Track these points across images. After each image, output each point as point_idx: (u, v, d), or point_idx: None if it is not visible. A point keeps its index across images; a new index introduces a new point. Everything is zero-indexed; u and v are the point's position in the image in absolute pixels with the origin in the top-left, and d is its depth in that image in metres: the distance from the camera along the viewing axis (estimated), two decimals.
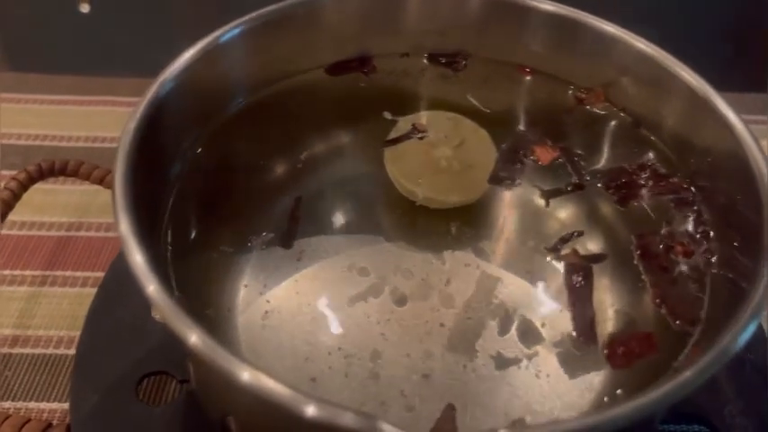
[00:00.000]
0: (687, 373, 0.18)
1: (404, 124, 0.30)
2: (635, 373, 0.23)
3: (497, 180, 0.28)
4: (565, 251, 0.26)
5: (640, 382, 0.22)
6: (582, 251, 0.26)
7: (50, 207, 0.40)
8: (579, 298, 0.24)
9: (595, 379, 0.23)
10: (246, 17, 0.27)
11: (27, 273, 0.38)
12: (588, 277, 0.25)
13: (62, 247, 0.39)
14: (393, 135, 0.30)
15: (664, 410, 0.18)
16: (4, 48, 0.62)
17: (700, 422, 0.26)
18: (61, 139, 0.46)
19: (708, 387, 0.18)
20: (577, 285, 0.24)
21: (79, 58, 0.54)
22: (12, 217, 0.36)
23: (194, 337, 0.19)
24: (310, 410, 0.18)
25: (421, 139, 0.29)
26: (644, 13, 0.57)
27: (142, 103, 0.24)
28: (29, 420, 0.26)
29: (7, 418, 0.26)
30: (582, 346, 0.24)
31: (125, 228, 0.21)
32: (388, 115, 0.31)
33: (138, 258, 0.21)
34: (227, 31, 0.27)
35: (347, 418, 0.18)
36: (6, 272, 0.37)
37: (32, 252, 0.39)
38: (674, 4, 0.60)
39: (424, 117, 0.31)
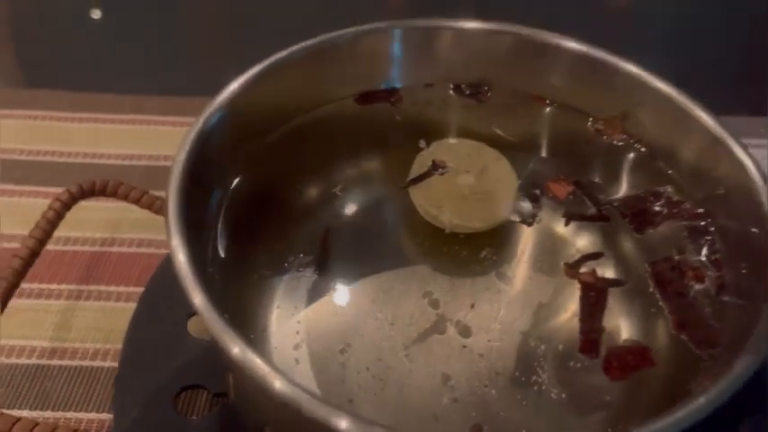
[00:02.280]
0: (701, 399, 0.19)
1: (426, 157, 0.32)
2: (641, 387, 0.24)
3: (515, 215, 0.30)
4: (583, 270, 0.28)
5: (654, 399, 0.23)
6: (600, 273, 0.27)
7: (84, 223, 0.42)
8: (590, 314, 0.26)
9: (601, 394, 0.24)
10: (281, 53, 0.29)
11: (63, 287, 0.40)
12: (601, 297, 0.27)
13: (96, 262, 0.41)
14: (415, 168, 0.31)
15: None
16: (20, 65, 0.64)
17: None
18: (93, 156, 0.48)
19: None
20: (590, 302, 0.26)
21: (106, 76, 0.56)
22: None
23: (236, 349, 0.21)
24: (344, 424, 0.20)
25: (442, 174, 0.31)
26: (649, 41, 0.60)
27: (190, 136, 0.26)
28: (76, 431, 0.28)
29: (55, 428, 0.27)
30: (586, 360, 0.25)
31: (177, 243, 0.23)
32: (420, 143, 0.32)
33: (187, 272, 0.23)
34: (266, 65, 0.29)
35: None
36: (43, 285, 0.39)
37: (68, 267, 0.40)
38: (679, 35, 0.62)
39: (447, 145, 0.33)
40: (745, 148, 0.26)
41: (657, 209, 0.28)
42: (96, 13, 0.68)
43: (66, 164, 0.47)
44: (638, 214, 0.28)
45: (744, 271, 0.25)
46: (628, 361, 0.24)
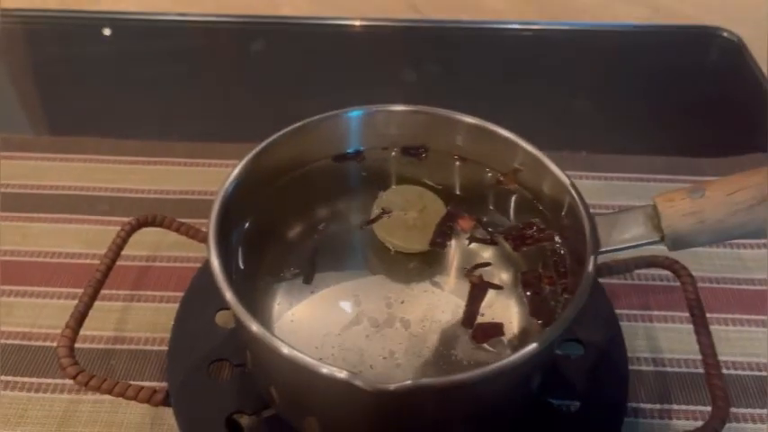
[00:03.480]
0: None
1: (383, 199, 0.44)
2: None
3: (435, 245, 0.43)
4: (475, 274, 0.41)
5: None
6: (486, 278, 0.40)
7: (133, 244, 0.53)
8: (472, 302, 0.39)
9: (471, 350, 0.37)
10: (278, 133, 0.42)
11: (120, 292, 0.52)
12: (482, 293, 0.40)
13: (143, 274, 0.54)
14: (375, 207, 0.44)
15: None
16: (47, 115, 0.74)
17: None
18: (136, 191, 0.60)
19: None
20: (474, 295, 0.39)
21: (144, 127, 0.68)
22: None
23: (254, 327, 0.33)
24: (324, 370, 0.32)
25: (389, 217, 0.43)
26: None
27: (220, 192, 0.39)
28: (142, 388, 0.41)
29: (129, 386, 0.40)
30: (466, 329, 0.38)
31: (215, 261, 0.36)
32: (378, 192, 0.45)
33: (222, 279, 0.35)
34: (268, 142, 0.42)
35: (343, 374, 0.32)
36: (106, 291, 0.50)
37: (123, 277, 0.52)
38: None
39: (398, 190, 0.46)
40: (577, 191, 0.39)
41: (530, 233, 0.41)
42: (107, 31, 0.79)
43: (116, 198, 0.59)
44: (516, 238, 0.41)
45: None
46: (488, 331, 0.37)
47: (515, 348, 0.35)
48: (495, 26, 0.84)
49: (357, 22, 0.83)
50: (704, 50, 0.84)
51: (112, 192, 0.60)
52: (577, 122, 0.73)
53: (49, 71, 0.79)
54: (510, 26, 0.84)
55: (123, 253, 0.52)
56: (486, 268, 0.41)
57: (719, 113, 0.75)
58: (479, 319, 0.39)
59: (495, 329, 0.37)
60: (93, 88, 0.75)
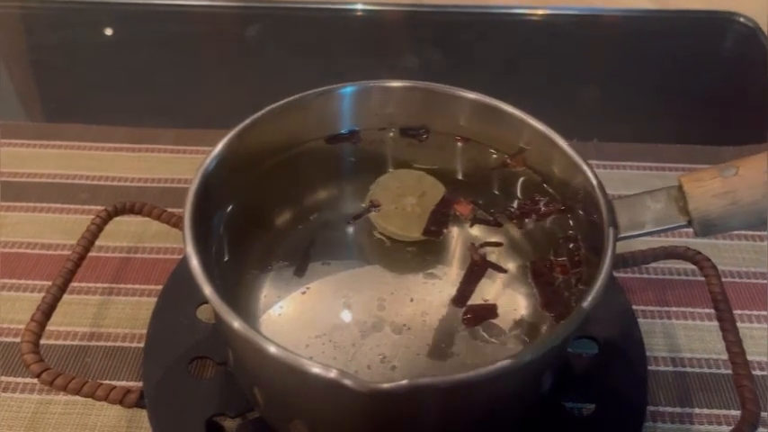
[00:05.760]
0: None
1: (380, 184, 0.41)
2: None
3: (429, 233, 0.39)
4: (479, 252, 0.37)
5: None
6: (488, 256, 0.37)
7: (113, 234, 0.51)
8: (468, 281, 0.36)
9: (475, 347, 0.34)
10: (264, 109, 0.38)
11: (98, 285, 0.48)
12: (481, 272, 0.36)
13: (123, 266, 0.50)
14: (371, 192, 0.41)
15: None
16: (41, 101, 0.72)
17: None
18: (120, 180, 0.56)
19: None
20: (472, 272, 0.36)
21: (132, 113, 0.65)
22: None
23: (236, 323, 0.30)
24: (312, 368, 0.28)
25: (374, 215, 0.40)
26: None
27: (198, 172, 0.35)
28: (114, 388, 0.37)
29: (100, 385, 0.37)
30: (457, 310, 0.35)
31: (191, 250, 0.32)
32: (372, 176, 0.41)
33: (199, 271, 0.31)
34: (253, 119, 0.38)
35: (333, 374, 0.28)
36: (83, 284, 0.48)
37: (101, 269, 0.49)
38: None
39: (396, 174, 0.42)
40: (593, 171, 0.35)
41: (536, 208, 0.38)
42: (109, 31, 0.77)
43: (98, 186, 0.56)
44: (521, 214, 0.38)
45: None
46: (480, 313, 0.34)
47: (524, 345, 0.31)
48: (501, 11, 0.81)
49: (359, 6, 0.79)
50: (720, 36, 0.80)
51: (94, 180, 0.57)
52: (588, 110, 0.69)
53: (36, 57, 0.76)
54: (516, 11, 0.80)
55: (103, 243, 0.50)
56: (494, 249, 0.37)
57: (736, 101, 0.71)
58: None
59: (487, 311, 0.34)
60: (81, 74, 0.72)
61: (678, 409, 0.42)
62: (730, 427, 0.36)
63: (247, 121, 0.38)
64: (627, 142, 0.62)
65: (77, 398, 0.38)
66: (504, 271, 0.36)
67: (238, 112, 0.39)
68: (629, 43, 0.80)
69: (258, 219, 0.40)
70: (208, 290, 0.31)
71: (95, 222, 0.43)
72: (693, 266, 0.44)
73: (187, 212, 0.34)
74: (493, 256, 0.37)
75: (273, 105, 0.39)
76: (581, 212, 0.36)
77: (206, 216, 0.36)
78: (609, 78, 0.75)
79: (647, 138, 0.63)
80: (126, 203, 0.45)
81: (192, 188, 0.35)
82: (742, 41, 0.79)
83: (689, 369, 0.45)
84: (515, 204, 0.39)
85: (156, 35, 0.78)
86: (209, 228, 0.37)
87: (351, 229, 0.41)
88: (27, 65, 0.77)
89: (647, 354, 0.42)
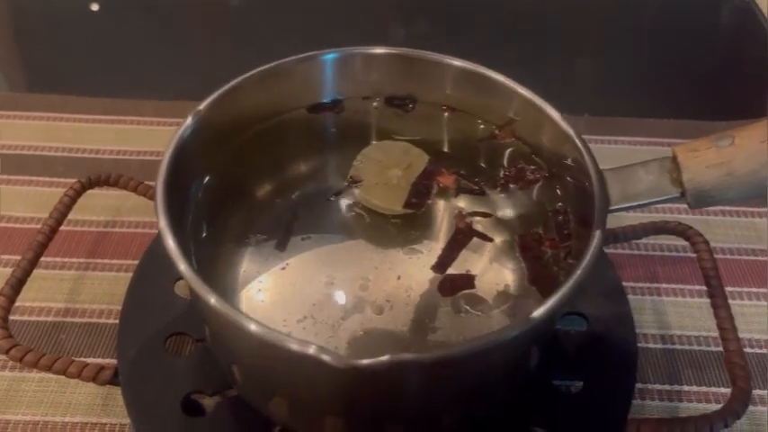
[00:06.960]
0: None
1: (365, 155, 0.40)
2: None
3: (410, 206, 0.38)
4: (466, 220, 0.36)
5: None
6: (475, 227, 0.36)
7: (91, 208, 0.49)
8: (451, 248, 0.35)
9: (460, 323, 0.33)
10: (241, 76, 0.37)
11: (74, 260, 0.47)
12: (465, 240, 0.35)
13: (101, 240, 0.49)
14: (356, 163, 0.39)
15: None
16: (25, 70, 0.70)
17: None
18: (98, 152, 0.55)
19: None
20: (456, 240, 0.35)
21: (111, 83, 0.63)
22: None
23: (213, 300, 0.29)
24: (290, 344, 0.27)
25: (357, 188, 0.39)
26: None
27: (172, 142, 0.34)
28: (87, 365, 0.36)
29: (72, 362, 0.36)
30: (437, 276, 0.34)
31: (164, 224, 0.31)
32: (356, 147, 0.40)
33: (173, 246, 0.30)
34: (230, 86, 0.37)
35: (311, 350, 0.27)
36: (58, 259, 0.47)
37: (77, 244, 0.48)
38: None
39: (381, 145, 0.41)
40: (582, 141, 0.34)
41: (522, 175, 0.37)
42: (95, 6, 0.74)
43: (74, 158, 0.54)
44: (507, 180, 0.37)
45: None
46: (456, 282, 0.32)
47: (511, 320, 0.30)
48: None
49: None
50: (714, 11, 0.79)
51: (70, 152, 0.55)
52: (579, 84, 0.68)
53: (19, 26, 0.74)
54: None
55: (79, 217, 0.49)
56: (480, 219, 0.36)
57: (730, 75, 0.70)
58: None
59: (464, 281, 0.33)
60: (63, 44, 0.70)
61: (667, 387, 0.41)
62: (719, 405, 0.35)
63: (226, 87, 0.36)
64: (619, 116, 0.60)
65: (51, 375, 0.37)
66: (491, 240, 0.35)
67: (221, 84, 0.38)
68: (622, 16, 0.78)
69: (238, 191, 0.39)
70: (182, 266, 0.30)
71: (68, 194, 0.41)
72: (685, 243, 0.43)
73: (160, 183, 0.32)
74: (479, 227, 0.36)
75: (253, 72, 0.37)
76: (571, 184, 0.35)
77: (182, 187, 0.35)
78: (601, 52, 0.74)
79: (639, 112, 0.61)
80: (101, 175, 0.43)
81: (166, 157, 0.33)
82: (736, 15, 0.78)
83: (678, 346, 0.44)
84: (501, 174, 0.38)
85: (140, 3, 0.76)
86: (185, 199, 0.36)
87: (334, 203, 0.39)
88: (8, 34, 0.75)
89: (637, 331, 0.41)
